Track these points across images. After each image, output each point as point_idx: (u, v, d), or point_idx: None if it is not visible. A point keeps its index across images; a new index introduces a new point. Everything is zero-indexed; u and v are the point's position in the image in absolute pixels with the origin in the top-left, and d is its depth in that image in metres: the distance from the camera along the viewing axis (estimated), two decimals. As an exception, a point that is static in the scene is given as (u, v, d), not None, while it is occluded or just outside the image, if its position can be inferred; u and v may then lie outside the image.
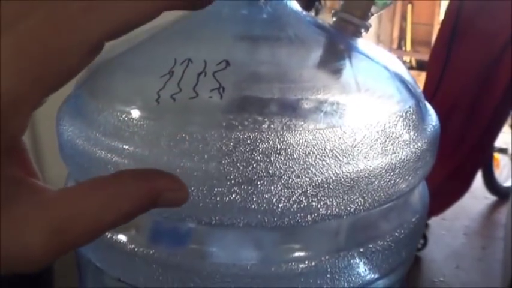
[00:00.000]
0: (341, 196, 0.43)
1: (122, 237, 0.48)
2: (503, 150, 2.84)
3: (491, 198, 2.55)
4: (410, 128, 0.47)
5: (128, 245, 0.47)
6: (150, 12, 0.20)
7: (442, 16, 2.40)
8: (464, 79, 1.87)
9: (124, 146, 0.44)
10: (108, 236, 0.48)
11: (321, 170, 0.42)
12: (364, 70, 0.51)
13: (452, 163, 1.89)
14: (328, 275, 0.46)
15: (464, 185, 2.09)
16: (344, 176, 0.42)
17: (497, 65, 1.99)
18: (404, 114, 0.47)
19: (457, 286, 1.93)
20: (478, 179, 2.33)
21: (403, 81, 0.51)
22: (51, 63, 0.18)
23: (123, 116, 0.45)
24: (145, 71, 0.50)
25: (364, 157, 0.43)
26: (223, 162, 0.41)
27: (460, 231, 2.29)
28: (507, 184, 2.55)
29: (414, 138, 0.47)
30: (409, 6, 4.15)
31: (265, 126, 0.43)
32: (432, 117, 0.53)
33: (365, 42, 0.54)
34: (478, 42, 1.92)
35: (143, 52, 0.52)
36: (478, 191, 2.45)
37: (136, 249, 0.46)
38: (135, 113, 0.45)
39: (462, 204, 2.18)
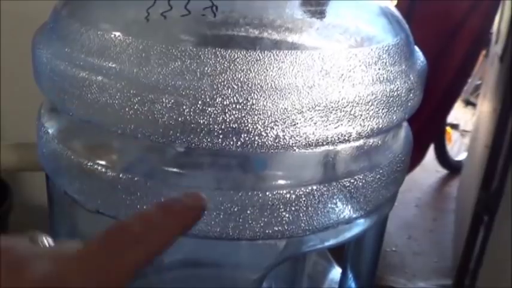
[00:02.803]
0: (334, 121, 0.42)
1: (101, 163, 0.45)
2: (454, 126, 2.90)
3: (443, 171, 2.60)
4: (402, 59, 0.46)
5: (108, 172, 0.45)
6: (167, 243, 0.27)
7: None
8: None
9: (110, 65, 0.42)
10: (86, 162, 0.46)
11: (317, 93, 0.40)
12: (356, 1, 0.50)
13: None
14: (310, 208, 0.45)
15: (416, 158, 2.12)
16: (339, 100, 0.41)
17: (452, 42, 2.02)
18: (396, 44, 0.46)
19: (409, 256, 1.97)
20: (430, 153, 2.38)
21: (393, 15, 0.50)
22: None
23: (109, 34, 0.43)
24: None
25: (359, 83, 0.42)
26: (216, 81, 0.39)
27: (412, 203, 2.33)
28: (458, 158, 2.61)
29: (406, 69, 0.46)
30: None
31: (261, 45, 0.41)
32: (419, 54, 0.52)
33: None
34: (435, 18, 1.95)
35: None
36: (429, 164, 2.50)
37: (119, 176, 0.44)
38: (122, 31, 0.43)
39: (414, 177, 2.21)
